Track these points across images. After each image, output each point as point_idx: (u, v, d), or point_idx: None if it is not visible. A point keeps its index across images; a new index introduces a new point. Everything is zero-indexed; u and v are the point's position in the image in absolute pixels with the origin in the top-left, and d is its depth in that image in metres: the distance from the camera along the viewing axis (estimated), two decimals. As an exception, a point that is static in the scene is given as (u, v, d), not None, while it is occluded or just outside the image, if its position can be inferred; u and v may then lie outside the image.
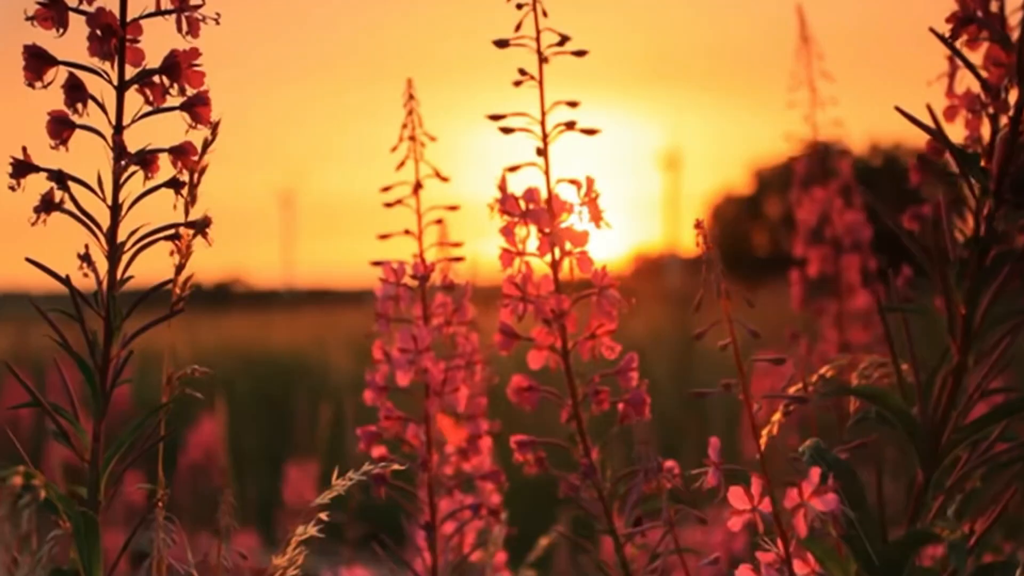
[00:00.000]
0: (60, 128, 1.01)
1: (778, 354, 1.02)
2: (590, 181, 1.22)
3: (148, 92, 1.02)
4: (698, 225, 0.97)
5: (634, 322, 5.58)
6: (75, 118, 0.98)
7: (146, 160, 1.03)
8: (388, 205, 1.37)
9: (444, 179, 1.37)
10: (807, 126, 2.29)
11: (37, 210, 1.03)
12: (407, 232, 1.35)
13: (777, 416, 1.18)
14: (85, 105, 0.97)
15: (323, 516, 1.03)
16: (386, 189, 1.37)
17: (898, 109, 1.16)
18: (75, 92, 0.96)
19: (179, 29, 0.98)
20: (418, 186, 1.36)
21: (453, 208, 1.37)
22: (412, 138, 1.37)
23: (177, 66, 0.96)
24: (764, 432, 1.18)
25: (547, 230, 1.21)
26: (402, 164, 1.36)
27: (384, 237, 1.38)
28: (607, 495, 1.27)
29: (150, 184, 1.04)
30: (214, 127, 1.01)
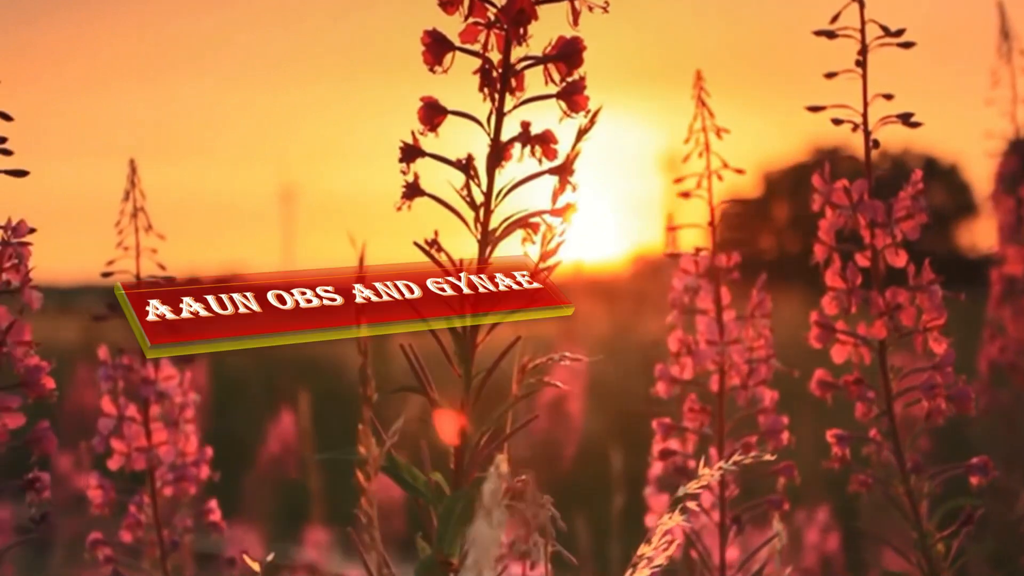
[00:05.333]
0: (433, 114, 1.00)
1: None
2: (918, 174, 1.21)
3: (513, 80, 1.01)
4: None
5: (639, 323, 5.52)
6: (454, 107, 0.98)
7: (502, 147, 1.03)
8: (683, 195, 1.36)
9: (740, 172, 1.36)
10: (1008, 123, 2.26)
11: (405, 196, 1.03)
12: (710, 224, 1.34)
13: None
14: (493, 91, 0.96)
15: (693, 505, 1.01)
16: (679, 180, 1.36)
17: None
18: (486, 78, 0.96)
19: (569, 17, 0.97)
20: (710, 176, 1.35)
21: (743, 201, 1.36)
22: (703, 130, 1.36)
23: (577, 53, 0.95)
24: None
25: (878, 221, 1.19)
26: (698, 155, 1.35)
27: (673, 229, 1.38)
28: (916, 492, 1.25)
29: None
30: (592, 115, 1.00)
